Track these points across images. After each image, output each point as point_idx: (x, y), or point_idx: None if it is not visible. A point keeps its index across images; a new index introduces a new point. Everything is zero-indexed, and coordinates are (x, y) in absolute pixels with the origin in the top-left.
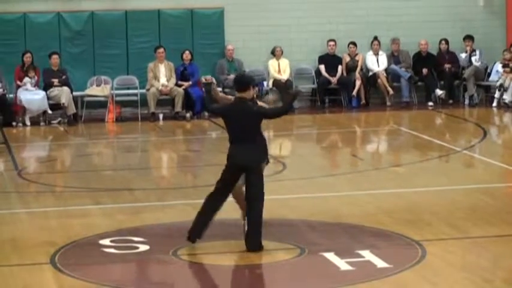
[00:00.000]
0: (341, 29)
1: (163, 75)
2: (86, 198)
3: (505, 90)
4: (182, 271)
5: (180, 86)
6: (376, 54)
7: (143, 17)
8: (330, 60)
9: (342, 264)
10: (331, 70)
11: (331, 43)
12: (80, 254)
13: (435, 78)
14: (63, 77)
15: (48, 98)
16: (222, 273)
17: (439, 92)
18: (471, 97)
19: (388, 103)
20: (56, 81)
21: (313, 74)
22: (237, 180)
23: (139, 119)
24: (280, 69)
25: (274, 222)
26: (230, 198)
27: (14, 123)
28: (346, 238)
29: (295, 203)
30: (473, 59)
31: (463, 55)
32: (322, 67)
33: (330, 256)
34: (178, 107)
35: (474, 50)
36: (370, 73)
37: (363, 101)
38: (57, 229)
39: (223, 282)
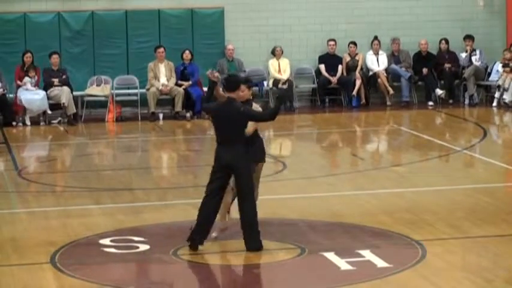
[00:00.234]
0: (341, 28)
1: (163, 75)
2: (86, 198)
3: (505, 90)
4: (182, 271)
5: (180, 85)
6: (376, 53)
7: (143, 16)
8: (330, 60)
9: (342, 264)
10: (331, 70)
11: (331, 43)
12: (80, 254)
13: (435, 78)
14: (63, 76)
15: (48, 98)
16: (222, 273)
17: (439, 91)
18: (471, 97)
19: (388, 103)
20: (56, 81)
21: (313, 73)
22: (228, 181)
23: (140, 118)
24: (281, 69)
25: (274, 222)
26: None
27: (14, 123)
28: (346, 238)
29: (295, 202)
30: (473, 58)
31: (463, 55)
32: (322, 67)
33: (330, 256)
34: (178, 107)
35: (474, 50)
36: (370, 73)
37: (363, 101)
38: (58, 229)
39: (223, 282)
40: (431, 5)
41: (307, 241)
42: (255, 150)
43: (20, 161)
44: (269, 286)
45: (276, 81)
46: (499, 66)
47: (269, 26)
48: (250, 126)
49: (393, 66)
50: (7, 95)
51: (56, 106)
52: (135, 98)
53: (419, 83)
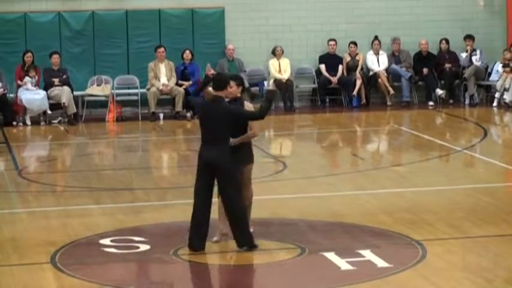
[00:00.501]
0: (341, 28)
1: (163, 75)
2: (87, 198)
3: (506, 90)
4: (182, 271)
5: (180, 85)
6: (377, 53)
7: (144, 16)
8: (330, 59)
9: (343, 264)
10: (332, 70)
11: (332, 43)
12: (80, 254)
13: (436, 78)
14: (64, 76)
15: (49, 98)
16: (222, 273)
17: (439, 91)
18: (471, 97)
19: (389, 103)
20: (56, 80)
21: (314, 73)
22: (213, 180)
23: (140, 118)
24: (281, 69)
25: (275, 222)
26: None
27: (14, 123)
28: (346, 238)
29: (295, 202)
30: (473, 58)
31: (464, 55)
32: (322, 67)
33: (331, 256)
34: (178, 107)
35: (474, 50)
36: (371, 73)
37: (364, 101)
38: (58, 229)
39: (223, 282)
40: (431, 5)
41: (308, 241)
42: (245, 152)
43: (20, 161)
44: (269, 286)
45: (276, 82)
46: (499, 66)
47: (269, 26)
48: (255, 126)
49: (393, 66)
50: (7, 95)
51: (56, 106)
52: (135, 97)
53: (420, 83)
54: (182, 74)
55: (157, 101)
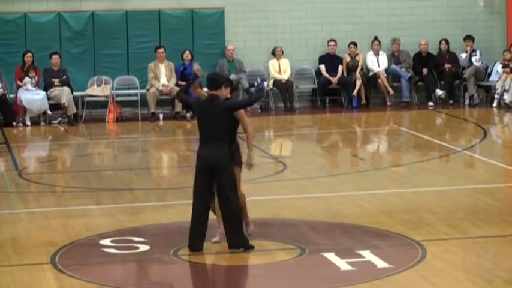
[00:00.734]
0: (341, 29)
1: (163, 75)
2: (87, 199)
3: (506, 90)
4: (182, 271)
5: (180, 86)
6: (377, 54)
7: (143, 17)
8: (330, 60)
9: (343, 264)
10: (332, 70)
11: (332, 43)
12: (80, 254)
13: (435, 79)
14: (64, 77)
15: (49, 98)
16: (222, 273)
17: (439, 92)
18: (471, 97)
19: (389, 103)
20: (56, 81)
21: (314, 74)
22: (212, 180)
23: (140, 119)
24: (281, 69)
25: (275, 222)
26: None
27: (14, 123)
28: (346, 238)
29: (295, 203)
30: (473, 59)
31: (464, 55)
32: (322, 67)
33: (331, 256)
34: (178, 107)
35: (474, 50)
36: (371, 73)
37: (363, 101)
38: (58, 229)
39: (223, 282)
40: (431, 6)
41: (308, 241)
42: (232, 153)
43: (20, 161)
44: (269, 286)
45: (277, 82)
46: (499, 67)
47: (269, 26)
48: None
49: (393, 66)
50: (7, 95)
51: (56, 106)
52: (135, 98)
53: (420, 83)
54: (182, 75)
55: (157, 102)
